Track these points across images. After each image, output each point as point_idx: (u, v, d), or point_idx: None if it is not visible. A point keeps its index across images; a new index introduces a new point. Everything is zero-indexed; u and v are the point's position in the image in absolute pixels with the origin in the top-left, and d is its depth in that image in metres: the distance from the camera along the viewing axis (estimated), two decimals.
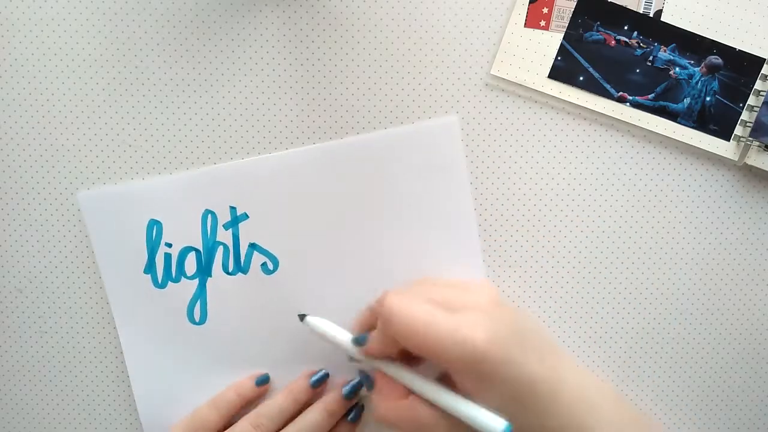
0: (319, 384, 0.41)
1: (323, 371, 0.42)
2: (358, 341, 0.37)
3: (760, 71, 0.41)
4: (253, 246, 0.42)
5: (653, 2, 0.41)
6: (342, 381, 0.42)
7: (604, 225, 0.43)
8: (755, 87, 0.41)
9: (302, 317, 0.40)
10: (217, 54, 0.41)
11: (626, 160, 0.42)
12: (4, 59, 0.41)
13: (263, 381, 0.42)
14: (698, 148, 0.42)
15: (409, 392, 0.36)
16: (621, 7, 0.41)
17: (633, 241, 0.43)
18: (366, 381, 0.38)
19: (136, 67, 0.41)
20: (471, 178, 0.42)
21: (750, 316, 0.43)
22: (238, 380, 0.42)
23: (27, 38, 0.41)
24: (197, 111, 0.42)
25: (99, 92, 0.41)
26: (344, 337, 0.38)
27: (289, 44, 0.41)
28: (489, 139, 0.42)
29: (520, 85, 0.41)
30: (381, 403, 0.36)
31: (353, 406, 0.42)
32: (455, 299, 0.35)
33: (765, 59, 0.41)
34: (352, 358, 0.38)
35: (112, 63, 0.41)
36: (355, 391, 0.41)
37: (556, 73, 0.41)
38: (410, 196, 0.41)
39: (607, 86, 0.41)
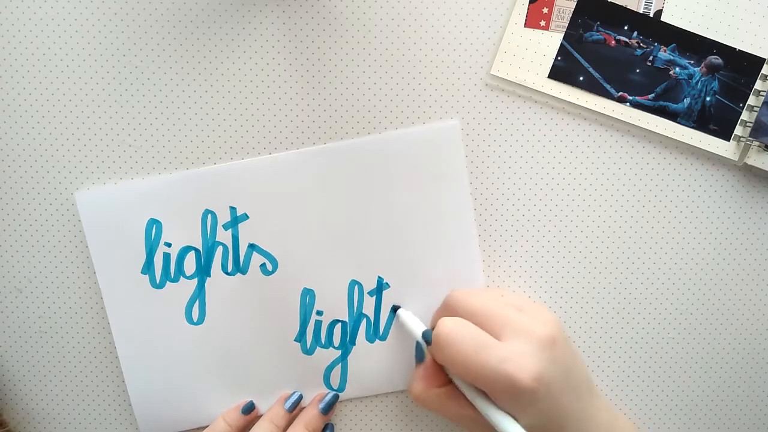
0: (295, 407, 0.42)
1: (297, 394, 0.42)
2: (426, 338, 0.38)
3: (760, 71, 0.41)
4: (252, 246, 0.42)
5: (653, 2, 0.41)
6: (318, 397, 0.42)
7: (603, 225, 0.43)
8: (755, 87, 0.41)
9: (396, 309, 0.42)
10: (217, 54, 0.41)
11: (626, 160, 0.42)
12: (4, 59, 0.41)
13: (249, 409, 0.42)
14: (698, 148, 0.42)
15: (449, 381, 0.38)
16: (621, 7, 0.41)
17: (633, 241, 0.43)
18: (419, 352, 0.40)
19: (136, 67, 0.41)
20: (471, 178, 0.42)
21: (750, 316, 0.43)
22: (226, 410, 0.42)
23: (27, 38, 0.41)
24: (197, 111, 0.42)
25: (99, 92, 0.41)
26: (418, 331, 0.40)
27: (289, 44, 0.41)
28: (489, 139, 0.42)
29: (520, 85, 0.41)
30: (420, 384, 0.38)
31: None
32: (513, 321, 0.36)
33: (765, 59, 0.41)
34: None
35: (112, 63, 0.41)
36: (330, 406, 0.42)
37: (556, 73, 0.41)
38: (410, 198, 0.41)
39: (607, 86, 0.41)
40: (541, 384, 0.34)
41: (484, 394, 0.35)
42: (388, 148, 0.41)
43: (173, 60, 0.41)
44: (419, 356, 0.40)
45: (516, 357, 0.34)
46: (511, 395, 0.34)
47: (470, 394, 0.36)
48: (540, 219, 0.42)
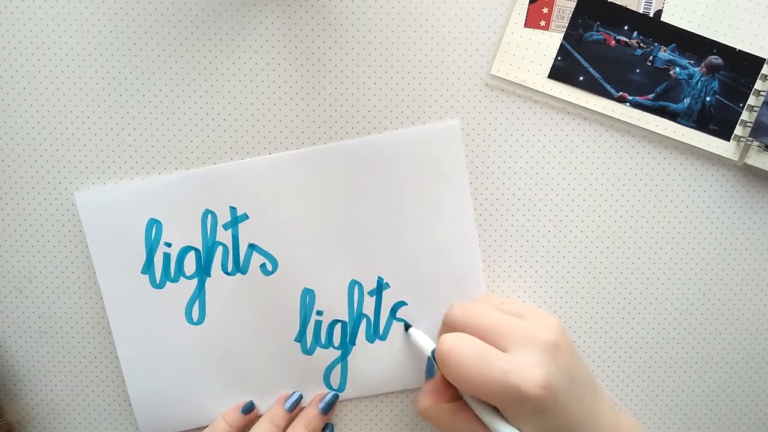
0: (295, 407, 0.42)
1: (297, 394, 0.42)
2: (434, 355, 0.38)
3: (760, 71, 0.41)
4: (252, 246, 0.42)
5: (653, 2, 0.41)
6: (318, 397, 0.42)
7: (603, 225, 0.43)
8: (755, 87, 0.41)
9: (407, 327, 0.42)
10: (217, 54, 0.41)
11: (626, 160, 0.42)
12: (4, 59, 0.41)
13: (248, 409, 0.42)
14: (698, 148, 0.42)
15: (457, 396, 0.38)
16: (621, 7, 0.41)
17: (633, 241, 0.43)
18: (429, 368, 0.41)
19: (136, 67, 0.41)
20: (471, 178, 0.42)
21: (750, 316, 0.43)
22: (226, 410, 0.42)
23: (27, 38, 0.41)
24: (197, 111, 0.42)
25: (99, 92, 0.41)
26: (428, 348, 0.40)
27: (289, 44, 0.41)
28: (489, 139, 0.42)
29: (520, 85, 0.41)
30: (428, 398, 0.38)
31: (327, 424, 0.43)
32: (515, 330, 0.36)
33: (765, 59, 0.41)
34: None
35: (112, 63, 0.41)
36: (330, 406, 0.42)
37: (556, 73, 0.41)
38: (410, 198, 0.41)
39: (607, 86, 0.41)
40: (548, 391, 0.34)
41: (493, 408, 0.35)
42: (388, 148, 0.41)
43: (173, 60, 0.41)
44: (429, 372, 0.40)
45: (520, 367, 0.34)
46: (518, 406, 0.34)
47: (478, 409, 0.36)
48: (540, 219, 0.42)
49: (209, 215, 0.41)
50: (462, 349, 0.35)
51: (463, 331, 0.37)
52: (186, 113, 0.42)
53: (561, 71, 0.41)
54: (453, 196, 0.41)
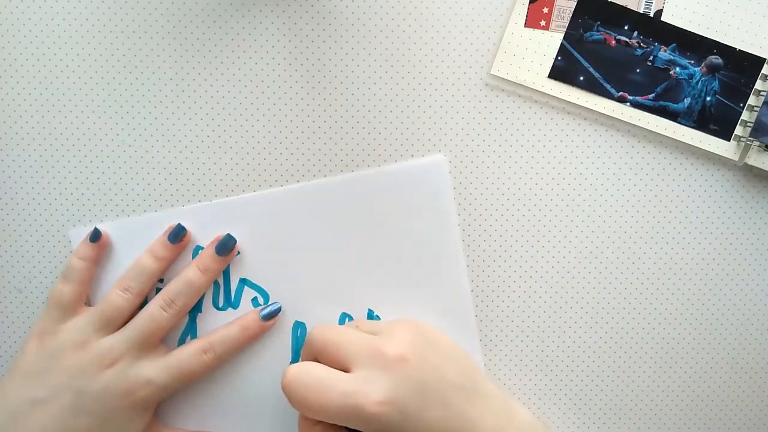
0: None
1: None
2: None
3: (760, 71, 0.41)
4: (243, 281, 0.42)
5: (653, 2, 0.41)
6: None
7: (603, 225, 0.43)
8: (755, 87, 0.41)
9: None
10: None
11: (626, 160, 0.42)
12: (4, 59, 0.41)
13: (177, 235, 0.40)
14: (698, 148, 0.42)
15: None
16: (621, 7, 0.41)
17: (633, 241, 0.43)
18: None
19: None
20: (471, 178, 0.42)
21: (750, 317, 0.43)
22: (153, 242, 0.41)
23: (27, 38, 0.41)
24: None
25: (99, 102, 0.41)
26: None
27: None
28: (489, 139, 0.42)
29: (520, 85, 0.41)
30: (303, 423, 0.37)
31: None
32: (361, 348, 0.36)
33: (765, 59, 0.41)
34: None
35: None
36: (272, 315, 0.41)
37: (556, 73, 0.41)
38: (399, 232, 0.41)
39: (607, 86, 0.41)
40: (389, 407, 0.33)
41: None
42: (376, 184, 0.41)
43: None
44: None
45: (360, 386, 0.34)
46: (365, 425, 0.34)
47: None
48: (540, 219, 0.42)
49: (200, 251, 0.41)
50: (300, 380, 0.35)
51: (318, 351, 0.37)
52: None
53: (561, 71, 0.41)
54: (441, 230, 0.42)
